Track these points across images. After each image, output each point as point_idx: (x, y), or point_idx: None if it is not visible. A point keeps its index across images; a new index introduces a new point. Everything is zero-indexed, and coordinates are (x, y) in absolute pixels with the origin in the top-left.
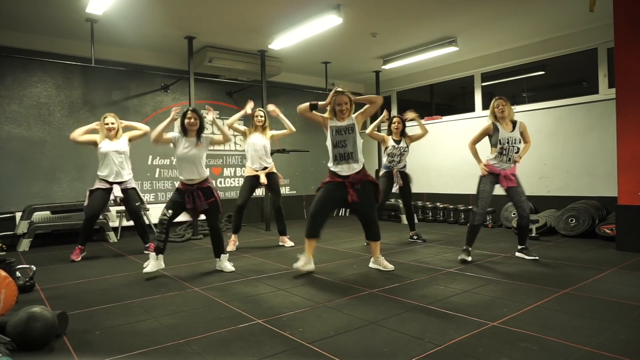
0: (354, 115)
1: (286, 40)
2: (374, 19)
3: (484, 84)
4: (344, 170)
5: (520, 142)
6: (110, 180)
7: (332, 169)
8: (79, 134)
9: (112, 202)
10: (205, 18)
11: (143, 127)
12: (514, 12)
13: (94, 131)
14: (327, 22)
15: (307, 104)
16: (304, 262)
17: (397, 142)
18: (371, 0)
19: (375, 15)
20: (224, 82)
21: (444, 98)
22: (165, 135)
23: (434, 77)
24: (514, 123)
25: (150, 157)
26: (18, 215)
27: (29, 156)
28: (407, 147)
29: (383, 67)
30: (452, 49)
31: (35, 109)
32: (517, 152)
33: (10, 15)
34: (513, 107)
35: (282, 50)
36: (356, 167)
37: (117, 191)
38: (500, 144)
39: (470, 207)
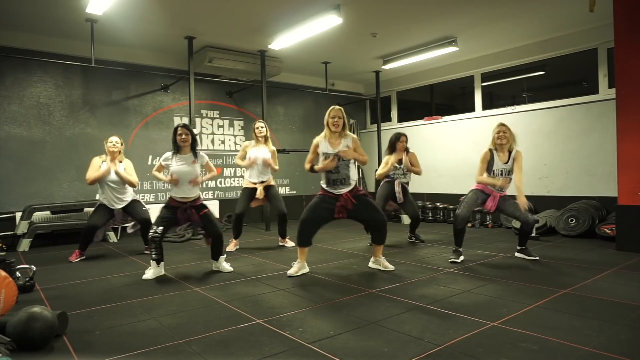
0: (349, 141)
1: (286, 40)
2: (374, 19)
3: (484, 84)
4: (337, 191)
5: (512, 173)
6: (112, 206)
7: (324, 187)
8: (92, 176)
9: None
10: (205, 18)
11: (134, 181)
12: (514, 12)
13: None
14: (327, 22)
15: (309, 167)
16: (298, 268)
17: (400, 161)
18: (371, 0)
19: (375, 15)
20: (224, 82)
21: (444, 98)
22: (156, 174)
23: (434, 77)
24: (510, 152)
25: (150, 157)
26: (18, 215)
27: (29, 156)
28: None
29: (383, 67)
30: (452, 49)
31: (35, 109)
32: (509, 183)
33: (10, 15)
34: (513, 108)
35: (282, 50)
36: (348, 188)
37: (115, 220)
38: (493, 174)
39: None
